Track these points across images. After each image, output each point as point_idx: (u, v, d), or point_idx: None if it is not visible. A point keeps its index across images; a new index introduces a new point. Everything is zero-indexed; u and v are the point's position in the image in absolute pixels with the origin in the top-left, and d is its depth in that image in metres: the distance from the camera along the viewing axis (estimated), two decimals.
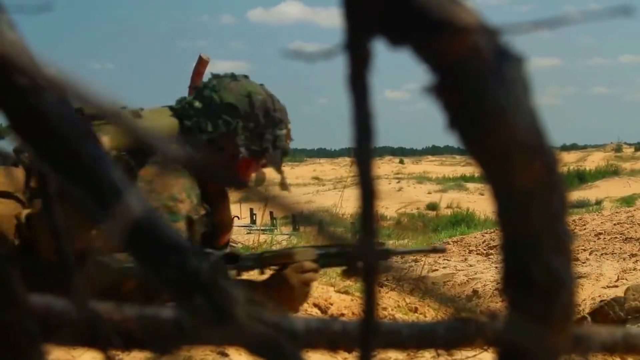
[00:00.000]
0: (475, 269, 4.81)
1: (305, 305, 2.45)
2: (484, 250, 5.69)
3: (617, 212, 6.71)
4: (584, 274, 4.11)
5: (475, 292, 4.28)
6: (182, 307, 0.55)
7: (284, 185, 2.40)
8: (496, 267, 4.48)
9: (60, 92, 0.48)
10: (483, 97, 0.45)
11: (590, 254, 5.03)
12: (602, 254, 5.01)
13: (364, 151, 0.44)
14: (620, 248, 5.13)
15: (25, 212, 2.01)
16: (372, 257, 0.45)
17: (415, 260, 4.71)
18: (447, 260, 5.28)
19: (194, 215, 2.12)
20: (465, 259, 5.36)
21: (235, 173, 2.26)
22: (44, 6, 0.50)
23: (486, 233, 6.30)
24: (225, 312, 0.51)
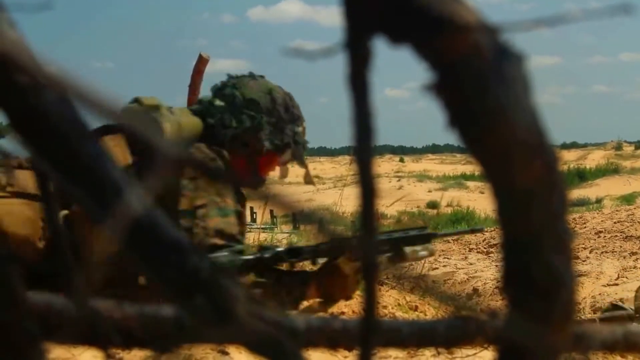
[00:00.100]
0: (475, 268, 4.82)
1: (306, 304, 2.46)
2: (484, 248, 5.69)
3: (617, 211, 6.71)
4: (585, 272, 4.11)
5: (475, 290, 4.28)
6: (182, 307, 0.55)
7: (308, 178, 2.46)
8: (496, 266, 4.48)
9: (61, 91, 0.48)
10: (483, 95, 0.45)
11: (590, 252, 5.03)
12: (602, 252, 5.01)
13: (364, 149, 0.44)
14: (621, 246, 5.13)
15: (63, 212, 2.00)
16: (372, 255, 0.45)
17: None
18: (448, 258, 5.28)
19: (241, 209, 2.17)
20: (466, 257, 5.36)
21: (256, 170, 2.32)
22: (44, 4, 0.50)
23: (486, 231, 6.31)
24: (225, 311, 0.51)
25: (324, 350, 0.64)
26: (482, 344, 0.64)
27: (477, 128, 0.47)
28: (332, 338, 0.61)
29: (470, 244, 5.92)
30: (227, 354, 1.75)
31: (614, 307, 3.19)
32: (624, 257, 4.76)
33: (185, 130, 2.19)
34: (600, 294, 3.71)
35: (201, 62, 3.82)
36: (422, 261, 4.66)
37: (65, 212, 2.01)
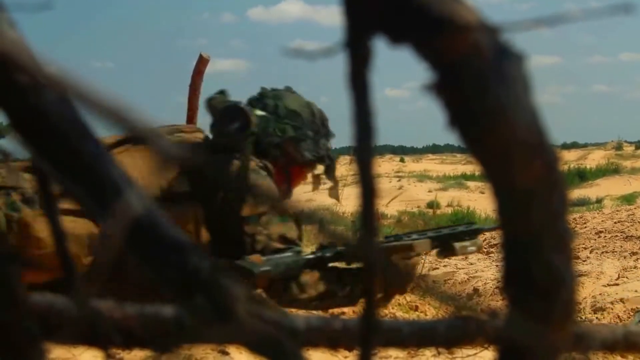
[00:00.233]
0: (475, 267, 4.81)
1: None
2: (485, 248, 5.69)
3: (617, 210, 6.71)
4: (585, 272, 4.11)
5: (475, 290, 4.28)
6: (182, 306, 0.55)
7: (334, 193, 2.52)
8: (497, 266, 4.48)
9: (61, 91, 0.48)
10: (483, 95, 0.45)
11: (590, 252, 5.03)
12: (602, 252, 5.01)
13: (364, 149, 0.44)
14: (621, 246, 5.13)
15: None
16: (372, 255, 0.45)
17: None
18: (448, 258, 5.27)
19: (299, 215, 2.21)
20: (466, 257, 5.36)
21: (289, 181, 2.39)
22: (44, 4, 0.50)
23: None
24: (225, 311, 0.51)
25: (324, 350, 0.64)
26: (482, 344, 0.64)
27: (477, 128, 0.47)
28: (332, 338, 0.61)
29: None
30: (227, 354, 1.75)
31: None
32: (625, 257, 4.76)
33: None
34: (600, 294, 3.71)
35: (201, 62, 3.82)
36: (422, 261, 4.66)
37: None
